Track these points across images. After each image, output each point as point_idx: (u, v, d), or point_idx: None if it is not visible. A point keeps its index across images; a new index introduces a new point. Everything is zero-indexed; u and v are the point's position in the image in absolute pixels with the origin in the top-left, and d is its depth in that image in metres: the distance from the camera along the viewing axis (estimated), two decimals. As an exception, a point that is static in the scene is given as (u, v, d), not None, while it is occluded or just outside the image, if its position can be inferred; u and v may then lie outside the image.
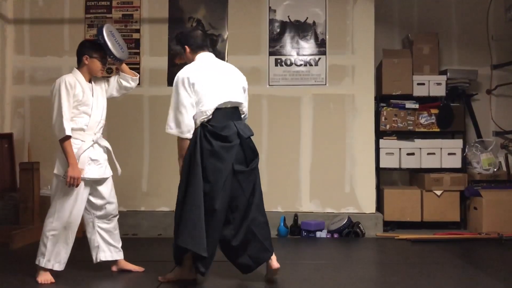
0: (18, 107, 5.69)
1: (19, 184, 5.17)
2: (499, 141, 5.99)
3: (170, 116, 3.42)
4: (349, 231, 5.20)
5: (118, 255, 3.81)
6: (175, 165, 5.50)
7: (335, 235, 5.26)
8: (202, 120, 3.38)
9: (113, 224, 3.79)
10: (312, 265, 4.08)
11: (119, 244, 3.83)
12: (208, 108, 3.38)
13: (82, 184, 3.52)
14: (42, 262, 3.52)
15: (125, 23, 5.66)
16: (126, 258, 3.88)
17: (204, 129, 3.38)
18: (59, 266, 3.55)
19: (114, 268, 3.84)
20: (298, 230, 5.34)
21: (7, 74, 5.65)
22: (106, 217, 3.74)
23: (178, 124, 3.38)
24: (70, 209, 3.51)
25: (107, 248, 3.76)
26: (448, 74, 5.73)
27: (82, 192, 3.55)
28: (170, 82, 5.56)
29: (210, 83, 3.42)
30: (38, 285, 3.49)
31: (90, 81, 3.68)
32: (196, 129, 3.39)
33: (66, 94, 3.47)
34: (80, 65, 3.66)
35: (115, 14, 5.67)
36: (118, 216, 3.84)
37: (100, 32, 3.66)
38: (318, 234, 5.27)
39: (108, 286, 3.64)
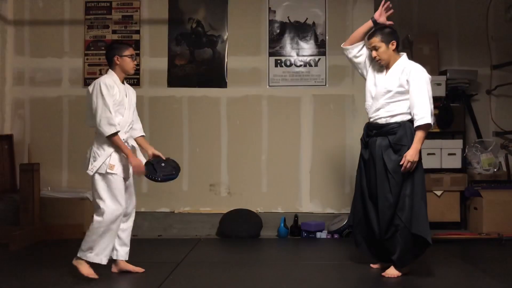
0: (18, 108, 5.69)
1: (19, 185, 5.17)
2: (499, 141, 5.97)
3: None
4: (350, 231, 5.20)
5: (127, 255, 3.85)
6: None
7: (335, 236, 5.26)
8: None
9: (130, 223, 3.86)
10: (313, 266, 4.08)
11: (129, 243, 3.87)
12: None
13: (120, 178, 3.63)
14: (90, 257, 3.57)
15: (125, 24, 5.66)
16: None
17: None
18: (105, 260, 3.62)
19: (114, 269, 3.84)
20: (298, 230, 5.34)
21: (7, 75, 5.65)
22: (126, 215, 3.79)
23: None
24: (115, 202, 3.59)
25: (120, 248, 3.81)
26: (448, 74, 5.72)
27: (121, 185, 3.65)
28: (170, 83, 5.58)
29: None
30: (38, 286, 3.49)
31: (123, 82, 3.79)
32: None
33: (107, 93, 3.59)
34: (112, 66, 3.76)
35: (115, 15, 5.67)
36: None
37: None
38: (318, 234, 5.27)
39: (108, 287, 3.64)
